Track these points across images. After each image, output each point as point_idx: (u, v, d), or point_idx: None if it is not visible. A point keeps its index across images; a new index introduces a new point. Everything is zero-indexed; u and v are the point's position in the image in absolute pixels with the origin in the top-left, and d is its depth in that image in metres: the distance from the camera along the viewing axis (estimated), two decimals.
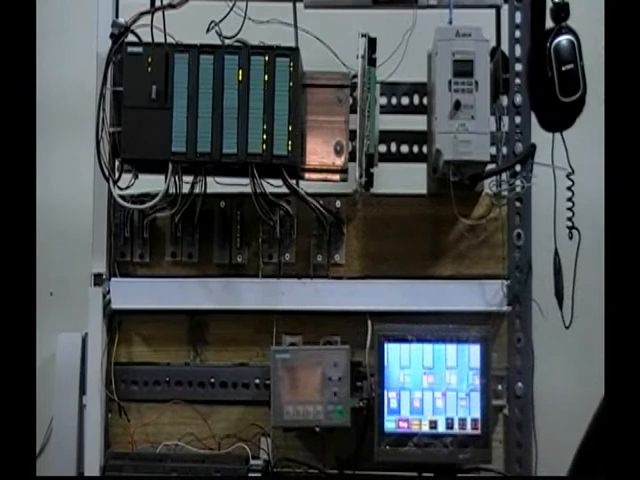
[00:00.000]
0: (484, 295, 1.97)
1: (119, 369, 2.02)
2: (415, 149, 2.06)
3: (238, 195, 2.00)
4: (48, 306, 2.36)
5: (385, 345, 1.89)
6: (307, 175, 1.99)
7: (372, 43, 1.92)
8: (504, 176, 1.94)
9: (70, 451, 2.06)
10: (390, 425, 1.87)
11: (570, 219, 1.92)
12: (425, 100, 2.03)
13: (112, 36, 1.88)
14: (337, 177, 1.99)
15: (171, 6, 1.88)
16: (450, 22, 1.87)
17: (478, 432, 1.86)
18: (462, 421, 1.87)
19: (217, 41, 1.87)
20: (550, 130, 1.94)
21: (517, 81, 1.97)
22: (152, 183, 1.91)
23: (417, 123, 2.04)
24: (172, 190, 1.88)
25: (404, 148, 2.07)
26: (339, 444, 1.98)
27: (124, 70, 1.87)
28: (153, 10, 1.88)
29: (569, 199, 1.92)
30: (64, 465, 2.06)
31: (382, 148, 2.04)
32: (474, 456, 1.86)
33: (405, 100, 2.06)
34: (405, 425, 1.88)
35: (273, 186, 1.93)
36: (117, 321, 2.03)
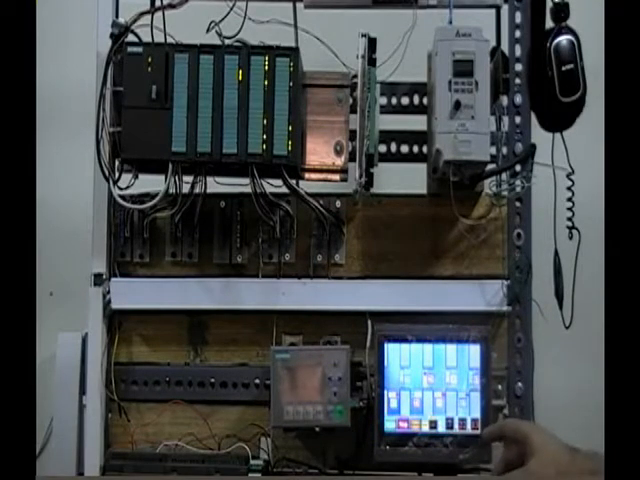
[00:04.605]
0: (484, 295, 1.97)
1: (119, 369, 2.02)
2: (415, 149, 2.06)
3: (238, 195, 1.99)
4: (48, 306, 2.36)
5: (385, 345, 1.88)
6: (307, 175, 1.99)
7: (372, 43, 1.91)
8: (504, 176, 1.94)
9: (70, 451, 2.06)
10: (390, 425, 1.87)
11: (570, 219, 1.92)
12: (425, 100, 2.03)
13: (112, 36, 1.88)
14: (337, 177, 1.99)
15: (171, 6, 1.88)
16: (450, 22, 1.87)
17: (478, 432, 1.86)
18: (462, 421, 1.87)
19: (217, 41, 1.87)
20: (550, 130, 1.94)
21: (517, 81, 1.97)
22: (152, 183, 1.91)
23: (417, 123, 2.03)
24: (172, 190, 1.88)
25: (404, 148, 2.06)
26: (339, 444, 1.97)
27: (124, 70, 1.87)
28: (153, 10, 1.87)
29: (569, 199, 1.92)
30: (64, 465, 2.05)
31: (382, 148, 2.04)
32: (474, 456, 1.86)
33: (405, 100, 2.06)
34: (405, 425, 1.87)
35: (273, 186, 1.93)
36: (117, 321, 2.03)
